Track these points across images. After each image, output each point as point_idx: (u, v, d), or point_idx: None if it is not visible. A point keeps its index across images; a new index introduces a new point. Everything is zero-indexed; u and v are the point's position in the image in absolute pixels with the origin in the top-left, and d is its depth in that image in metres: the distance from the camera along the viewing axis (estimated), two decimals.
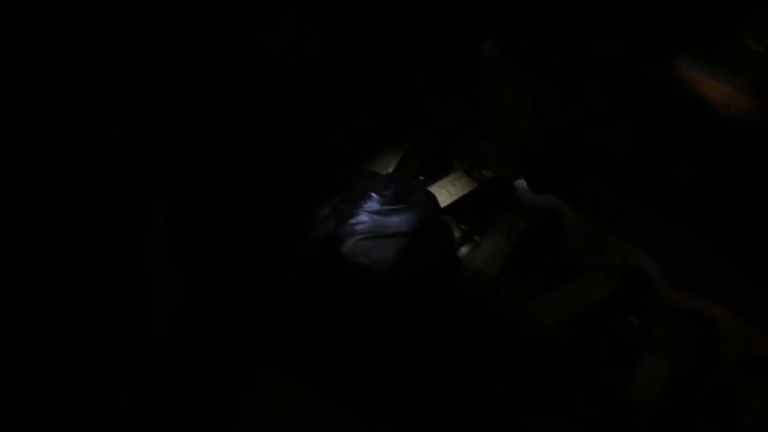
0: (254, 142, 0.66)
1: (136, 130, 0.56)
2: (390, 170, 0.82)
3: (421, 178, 0.86)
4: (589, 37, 0.75)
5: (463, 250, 0.77)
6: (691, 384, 0.62)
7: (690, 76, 0.74)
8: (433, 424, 0.64)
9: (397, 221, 0.66)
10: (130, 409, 0.55)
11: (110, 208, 0.55)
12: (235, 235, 0.65)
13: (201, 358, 0.60)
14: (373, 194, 0.68)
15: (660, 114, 0.77)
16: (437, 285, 0.68)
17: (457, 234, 0.77)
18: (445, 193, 0.80)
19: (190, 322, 0.60)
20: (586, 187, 0.78)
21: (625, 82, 0.77)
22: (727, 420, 0.60)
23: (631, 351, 0.63)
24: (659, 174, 0.77)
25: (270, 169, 0.68)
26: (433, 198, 0.72)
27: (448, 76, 0.83)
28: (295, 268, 0.65)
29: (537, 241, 0.75)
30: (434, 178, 0.87)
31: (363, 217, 0.65)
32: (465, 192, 0.80)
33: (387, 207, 0.67)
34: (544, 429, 0.64)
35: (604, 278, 0.68)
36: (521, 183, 0.81)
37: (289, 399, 0.61)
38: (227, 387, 0.60)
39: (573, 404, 0.63)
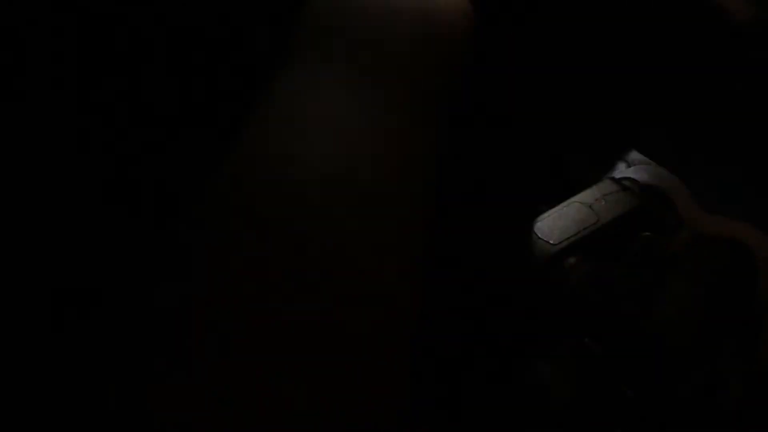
0: None
1: None
2: None
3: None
4: None
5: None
6: (722, 320, 0.51)
7: None
8: None
9: None
10: None
11: None
12: None
13: None
14: None
15: None
16: None
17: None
18: (591, 213, 0.55)
19: None
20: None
21: None
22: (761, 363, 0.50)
23: (653, 277, 0.52)
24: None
25: None
26: None
27: None
28: None
29: None
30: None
31: None
32: (618, 214, 0.55)
33: None
34: (539, 365, 0.52)
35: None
36: None
37: None
38: None
39: (578, 338, 0.51)
